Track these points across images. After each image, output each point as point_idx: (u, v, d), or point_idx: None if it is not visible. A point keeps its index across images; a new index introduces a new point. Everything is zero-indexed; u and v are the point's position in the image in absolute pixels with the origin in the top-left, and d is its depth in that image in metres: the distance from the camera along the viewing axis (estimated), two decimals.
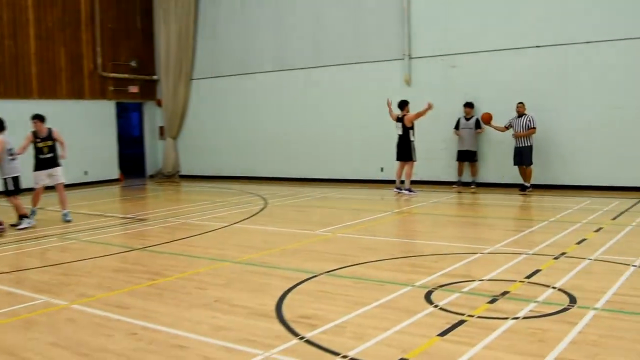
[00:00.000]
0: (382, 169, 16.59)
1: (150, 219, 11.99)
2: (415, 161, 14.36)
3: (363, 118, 16.95)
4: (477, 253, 7.80)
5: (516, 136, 14.08)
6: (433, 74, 15.93)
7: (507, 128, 14.38)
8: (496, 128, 14.55)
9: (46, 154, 11.58)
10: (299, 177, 18.31)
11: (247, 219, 11.47)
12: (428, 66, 16.05)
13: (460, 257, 7.61)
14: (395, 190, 14.52)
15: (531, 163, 14.07)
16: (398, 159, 14.50)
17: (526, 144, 14.02)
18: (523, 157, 14.06)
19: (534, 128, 13.96)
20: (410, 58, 16.25)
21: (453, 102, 15.44)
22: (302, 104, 18.27)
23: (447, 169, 15.86)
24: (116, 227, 11.16)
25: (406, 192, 14.26)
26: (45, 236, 10.20)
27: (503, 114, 14.50)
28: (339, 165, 17.60)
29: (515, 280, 6.38)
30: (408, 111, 14.33)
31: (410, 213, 12.04)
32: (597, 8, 13.77)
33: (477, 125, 15.15)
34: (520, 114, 14.10)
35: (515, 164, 14.24)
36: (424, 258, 7.74)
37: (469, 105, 15.20)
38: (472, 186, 15.26)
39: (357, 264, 7.37)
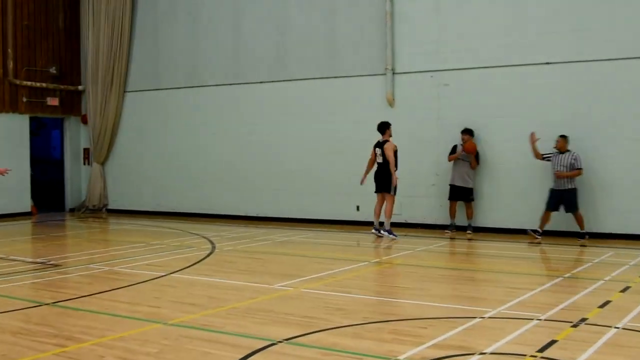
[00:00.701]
0: (358, 208, 16.41)
1: (67, 264, 11.62)
2: (394, 195, 14.23)
3: (336, 144, 16.81)
4: (476, 317, 7.58)
5: (558, 176, 13.97)
6: (421, 92, 15.91)
7: (543, 158, 14.25)
8: (533, 149, 14.26)
9: None
10: (256, 215, 18.05)
11: (188, 267, 11.14)
12: (415, 83, 16.03)
13: (455, 322, 7.38)
14: (374, 231, 14.37)
15: (577, 209, 13.89)
16: (377, 190, 14.41)
17: (570, 187, 13.85)
18: (566, 201, 13.87)
19: (580, 169, 13.79)
20: (394, 73, 16.23)
21: (446, 127, 15.40)
22: (261, 125, 18.06)
23: (438, 210, 15.73)
24: (22, 275, 10.72)
25: (386, 233, 14.09)
26: None
27: (511, 147, 14.45)
28: (305, 202, 17.38)
29: (525, 355, 6.16)
30: (390, 135, 14.24)
31: (391, 264, 11.83)
32: None
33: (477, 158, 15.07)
34: (562, 151, 14.00)
35: (548, 209, 13.93)
36: (409, 323, 7.50)
37: (467, 132, 15.12)
38: (469, 231, 15.13)
39: (325, 330, 7.10)
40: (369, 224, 14.93)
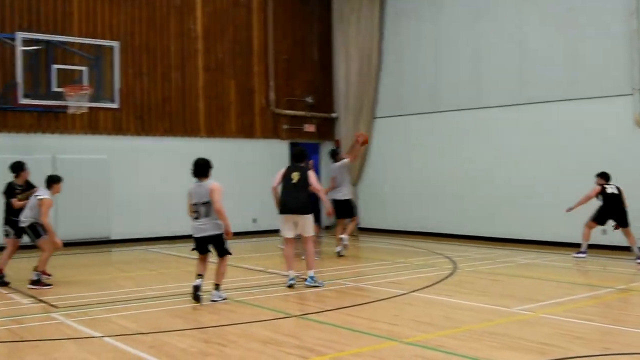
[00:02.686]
0: (604, 231, 15.20)
1: (318, 278, 11.81)
2: None
3: (580, 166, 15.74)
4: None
5: None
6: None
7: None
8: None
9: None
10: (500, 236, 17.41)
11: (429, 286, 10.92)
12: None
13: None
14: (637, 261, 13.46)
15: None
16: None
17: None
18: None
19: None
20: None
21: None
22: (504, 148, 17.46)
23: None
24: (276, 287, 11.05)
25: None
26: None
27: None
28: (550, 224, 16.41)
29: None
30: None
31: None
32: None
33: None
34: None
35: None
36: None
37: None
38: None
39: (562, 359, 6.57)
40: (623, 248, 13.95)
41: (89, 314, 8.96)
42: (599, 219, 14.08)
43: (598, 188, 14.05)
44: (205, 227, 9.56)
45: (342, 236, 15.12)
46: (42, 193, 11.34)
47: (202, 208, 9.54)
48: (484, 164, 17.90)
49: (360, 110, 20.88)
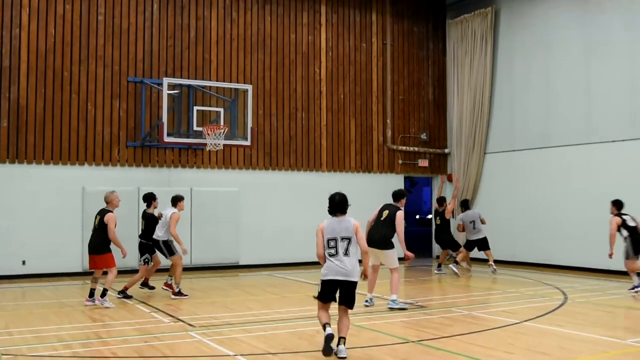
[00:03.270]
0: None
1: (431, 306, 11.70)
2: None
3: None
4: None
5: None
6: None
7: None
8: None
9: None
10: (607, 268, 16.64)
11: (541, 316, 10.56)
12: None
13: None
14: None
15: None
16: None
17: None
18: None
19: None
20: None
21: None
22: (611, 182, 16.73)
23: None
24: (394, 313, 10.97)
25: None
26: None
27: None
28: None
29: None
30: None
31: None
32: None
33: None
34: None
35: None
36: None
37: None
38: None
39: None
40: None
41: (222, 334, 9.16)
42: (636, 250, 13.06)
43: (618, 220, 13.25)
44: (346, 270, 7.76)
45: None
46: (170, 210, 12.61)
47: (343, 244, 7.87)
48: (590, 197, 17.21)
49: (472, 146, 20.60)
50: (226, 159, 18.27)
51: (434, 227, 18.12)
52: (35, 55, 16.16)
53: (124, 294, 12.44)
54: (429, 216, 22.45)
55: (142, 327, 9.69)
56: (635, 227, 13.22)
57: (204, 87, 17.05)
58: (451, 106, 21.48)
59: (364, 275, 8.20)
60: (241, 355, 7.80)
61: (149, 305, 11.67)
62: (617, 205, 13.64)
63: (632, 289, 13.18)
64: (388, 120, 20.68)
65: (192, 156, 17.83)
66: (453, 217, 17.49)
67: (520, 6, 19.69)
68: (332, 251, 7.86)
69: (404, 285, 15.67)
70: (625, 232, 13.23)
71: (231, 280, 16.26)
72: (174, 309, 11.23)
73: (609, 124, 16.99)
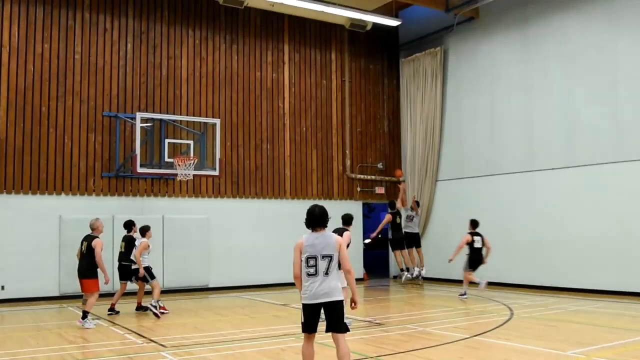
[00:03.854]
0: None
1: (389, 323, 11.68)
2: None
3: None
4: None
5: None
6: None
7: None
8: None
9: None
10: (547, 285, 16.90)
11: (489, 331, 10.62)
12: None
13: None
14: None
15: None
16: None
17: None
18: None
19: None
20: None
21: None
22: (552, 205, 17.04)
23: None
24: (355, 331, 10.92)
25: None
26: (285, 335, 10.32)
27: None
28: (597, 273, 15.89)
29: None
30: None
31: None
32: None
33: None
34: None
35: None
36: None
37: None
38: None
39: None
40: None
41: (192, 353, 9.02)
42: (472, 266, 15.20)
43: (469, 238, 15.24)
44: (326, 291, 6.60)
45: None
46: (140, 239, 13.30)
47: (323, 263, 6.65)
48: (532, 222, 17.50)
49: (425, 174, 20.79)
50: (196, 188, 18.16)
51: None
52: (15, 92, 15.96)
53: (141, 308, 13.37)
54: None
55: (117, 349, 9.52)
56: (479, 249, 15.04)
57: (175, 121, 16.98)
58: (405, 137, 21.69)
59: (353, 302, 6.96)
60: None
61: (123, 327, 11.47)
62: (473, 224, 15.39)
63: (462, 294, 15.11)
64: (347, 151, 20.79)
65: (163, 185, 17.67)
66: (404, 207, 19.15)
67: (466, 46, 20.06)
68: (312, 270, 6.64)
69: (363, 305, 15.67)
70: (468, 249, 15.14)
71: (201, 302, 16.08)
72: (146, 330, 11.06)
73: (548, 152, 17.32)
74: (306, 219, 6.83)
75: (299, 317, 10.08)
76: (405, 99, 21.75)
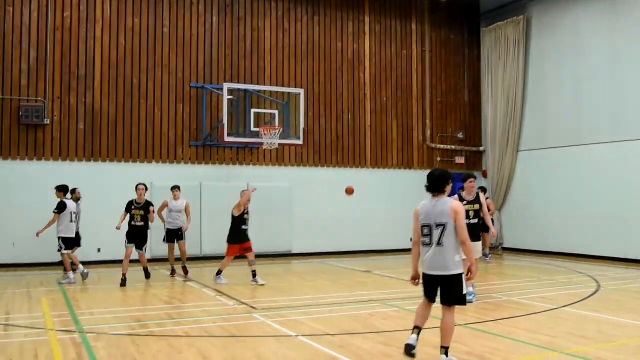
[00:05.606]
0: None
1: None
2: None
3: None
4: None
5: None
6: None
7: None
8: None
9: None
10: (634, 258, 16.24)
11: (577, 302, 10.28)
12: None
13: None
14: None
15: None
16: None
17: None
18: None
19: None
20: None
21: None
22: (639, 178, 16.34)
23: None
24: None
25: None
26: (371, 301, 10.30)
27: None
28: None
29: None
30: None
31: None
32: None
33: None
34: None
35: None
36: None
37: None
38: None
39: None
40: None
41: (283, 316, 9.12)
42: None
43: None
44: (440, 264, 6.22)
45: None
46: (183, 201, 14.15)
47: (437, 232, 6.22)
48: (623, 191, 16.77)
49: (506, 145, 20.26)
50: (279, 157, 18.27)
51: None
52: (108, 65, 16.36)
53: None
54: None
55: (210, 309, 9.72)
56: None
57: (259, 91, 17.05)
58: (486, 107, 21.17)
59: (470, 272, 6.35)
60: (303, 335, 7.75)
61: (213, 289, 11.70)
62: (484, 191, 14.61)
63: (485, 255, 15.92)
64: (427, 121, 20.46)
65: (248, 154, 17.86)
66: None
67: (550, 14, 19.27)
68: (426, 240, 6.26)
69: None
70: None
71: (285, 267, 16.25)
72: (236, 293, 11.24)
73: (637, 122, 16.53)
74: (426, 183, 6.44)
75: (382, 283, 9.98)
76: (486, 68, 21.18)
